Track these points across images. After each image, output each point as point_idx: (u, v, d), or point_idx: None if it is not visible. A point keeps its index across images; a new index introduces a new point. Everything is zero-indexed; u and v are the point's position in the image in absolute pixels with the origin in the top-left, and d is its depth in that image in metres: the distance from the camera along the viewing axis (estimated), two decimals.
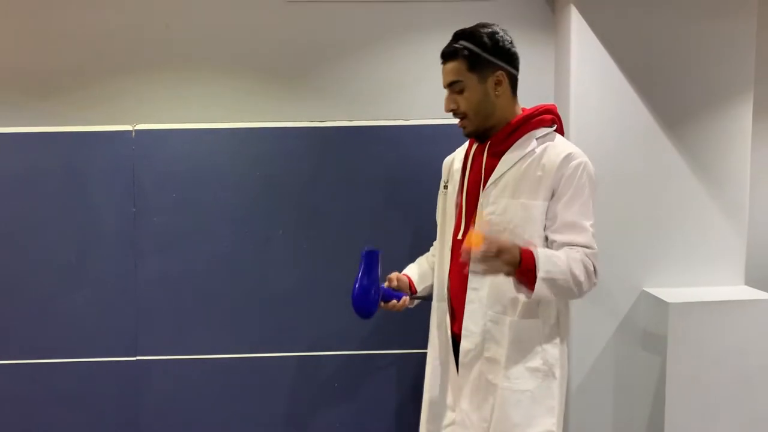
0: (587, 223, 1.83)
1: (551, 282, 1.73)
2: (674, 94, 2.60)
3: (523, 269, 1.72)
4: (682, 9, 2.57)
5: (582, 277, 1.77)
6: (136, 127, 2.48)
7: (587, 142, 2.53)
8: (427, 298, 2.13)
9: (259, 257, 2.52)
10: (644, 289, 2.62)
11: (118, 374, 2.49)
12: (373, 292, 1.91)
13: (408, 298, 2.01)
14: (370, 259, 1.92)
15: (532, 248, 1.76)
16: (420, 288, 2.09)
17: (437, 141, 2.40)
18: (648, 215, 2.62)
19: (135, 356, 2.49)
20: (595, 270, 1.81)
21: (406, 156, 2.51)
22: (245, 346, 2.52)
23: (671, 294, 2.52)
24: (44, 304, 2.48)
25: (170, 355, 2.50)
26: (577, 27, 2.56)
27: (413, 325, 2.22)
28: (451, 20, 2.60)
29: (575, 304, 2.06)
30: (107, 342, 2.49)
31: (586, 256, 1.80)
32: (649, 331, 2.58)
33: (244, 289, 2.51)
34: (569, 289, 1.78)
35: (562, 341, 1.91)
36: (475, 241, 1.66)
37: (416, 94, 2.69)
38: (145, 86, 2.66)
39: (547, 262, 1.74)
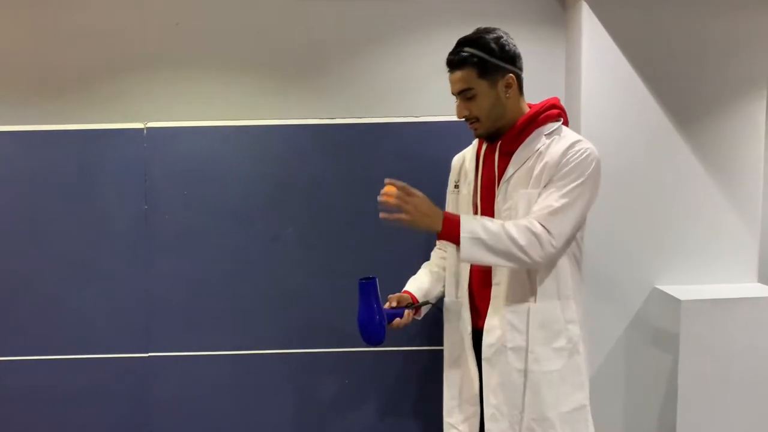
0: (559, 194, 1.84)
1: (478, 242, 1.80)
2: (686, 90, 2.59)
3: (447, 230, 1.81)
4: (695, 5, 2.55)
5: (522, 239, 1.80)
6: (147, 125, 2.48)
7: (598, 139, 2.48)
8: (434, 303, 2.15)
9: (269, 254, 2.51)
10: (656, 286, 2.61)
11: (131, 370, 2.50)
12: (376, 320, 1.93)
13: (410, 311, 2.04)
14: (366, 289, 1.92)
15: (461, 214, 1.86)
16: (422, 300, 2.12)
17: (447, 138, 2.40)
18: (660, 212, 2.61)
19: (147, 353, 2.50)
20: (549, 232, 1.82)
21: (416, 153, 2.49)
22: (256, 342, 2.52)
23: (683, 291, 2.51)
24: (56, 300, 2.49)
25: (182, 351, 2.51)
26: (588, 23, 2.55)
27: (429, 320, 2.24)
28: (461, 17, 2.66)
29: (585, 300, 2.07)
30: (119, 338, 2.50)
31: (536, 219, 1.83)
32: (661, 328, 2.57)
33: (254, 285, 2.51)
34: (508, 252, 1.80)
35: (582, 318, 1.97)
36: (387, 189, 1.81)
37: (426, 90, 2.69)
38: (156, 84, 2.66)
39: (472, 224, 1.82)
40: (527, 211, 1.89)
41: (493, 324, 1.95)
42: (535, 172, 1.90)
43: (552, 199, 1.85)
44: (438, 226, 1.82)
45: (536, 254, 1.82)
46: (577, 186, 1.84)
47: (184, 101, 2.65)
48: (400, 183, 1.80)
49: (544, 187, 1.88)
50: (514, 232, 1.81)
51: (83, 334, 2.50)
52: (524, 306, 1.92)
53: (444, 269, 2.17)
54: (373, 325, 1.92)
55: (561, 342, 1.92)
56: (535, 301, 1.91)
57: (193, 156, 2.49)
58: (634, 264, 2.61)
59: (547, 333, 1.92)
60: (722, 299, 2.44)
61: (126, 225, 2.49)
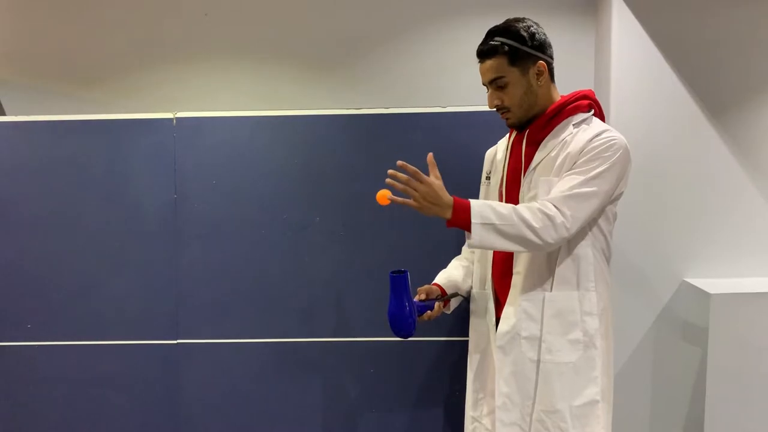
0: (580, 179, 1.81)
1: (490, 227, 1.76)
2: (720, 80, 2.54)
3: (456, 217, 1.77)
4: None
5: (535, 221, 1.77)
6: (177, 115, 2.47)
7: (628, 129, 2.49)
8: (464, 296, 2.15)
9: (297, 244, 2.50)
10: (685, 279, 2.56)
11: (160, 356, 2.52)
12: (407, 314, 1.92)
13: (440, 303, 2.04)
14: (398, 283, 1.91)
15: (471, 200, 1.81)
16: (451, 293, 2.13)
17: (476, 128, 2.38)
18: (690, 204, 2.57)
19: (176, 339, 2.51)
20: (563, 214, 1.78)
21: (444, 144, 2.44)
22: (283, 331, 2.51)
23: (713, 285, 2.46)
24: (88, 287, 2.51)
25: (210, 339, 2.52)
26: (619, 11, 2.51)
27: (456, 312, 2.22)
28: (490, 6, 2.64)
29: (611, 294, 2.04)
30: (149, 325, 2.51)
31: (550, 201, 1.80)
32: (690, 322, 2.53)
33: (282, 275, 2.50)
34: (520, 235, 1.77)
35: (602, 312, 1.92)
36: (380, 196, 1.77)
37: (454, 80, 2.68)
38: (185, 74, 2.68)
39: (482, 209, 1.77)
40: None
41: (508, 312, 1.94)
42: (558, 160, 1.89)
43: (570, 182, 1.82)
44: (447, 214, 1.78)
45: (549, 237, 1.78)
46: (599, 173, 1.81)
47: (213, 91, 2.67)
48: (411, 168, 1.76)
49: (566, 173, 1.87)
50: (527, 214, 1.78)
51: (114, 321, 2.51)
52: (540, 294, 1.90)
53: (473, 263, 2.16)
54: (403, 318, 1.92)
55: (576, 334, 1.89)
56: (551, 289, 1.90)
57: (222, 146, 2.48)
58: (663, 256, 2.57)
59: (561, 323, 1.89)
60: (753, 293, 2.38)
61: (156, 214, 2.49)
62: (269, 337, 2.52)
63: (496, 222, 1.76)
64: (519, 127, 1.99)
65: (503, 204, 1.83)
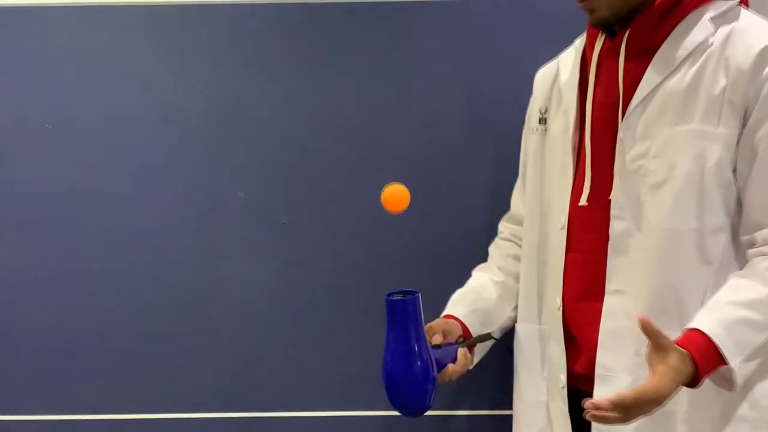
0: None
1: (755, 348, 1.54)
2: None
3: (705, 368, 1.51)
4: None
5: None
6: None
7: None
8: (498, 338, 1.87)
9: (201, 242, 2.03)
10: None
11: None
12: (417, 369, 1.56)
13: (464, 351, 1.74)
14: (401, 313, 1.56)
15: (698, 326, 1.50)
16: (478, 331, 1.86)
17: (528, 28, 2.00)
18: None
19: None
20: None
21: (467, 56, 2.03)
22: (178, 400, 2.05)
23: None
24: None
25: (38, 415, 2.09)
26: None
27: (487, 366, 1.85)
28: None
29: None
30: None
31: None
32: None
33: (171, 302, 2.05)
34: None
35: None
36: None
37: None
38: None
39: (733, 331, 1.52)
40: (694, 173, 1.52)
41: (608, 365, 1.60)
42: (704, 91, 1.52)
43: None
44: (687, 377, 1.49)
45: None
46: None
47: None
48: (630, 397, 1.45)
49: (746, 132, 1.53)
50: None
51: None
52: (672, 335, 1.59)
53: (516, 276, 1.83)
54: (412, 377, 1.55)
55: (739, 407, 1.56)
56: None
57: (66, 59, 2.03)
58: None
59: (714, 389, 1.58)
60: None
61: None
62: (153, 410, 2.07)
63: (761, 339, 1.52)
64: (610, 26, 1.64)
65: (740, 297, 1.53)
